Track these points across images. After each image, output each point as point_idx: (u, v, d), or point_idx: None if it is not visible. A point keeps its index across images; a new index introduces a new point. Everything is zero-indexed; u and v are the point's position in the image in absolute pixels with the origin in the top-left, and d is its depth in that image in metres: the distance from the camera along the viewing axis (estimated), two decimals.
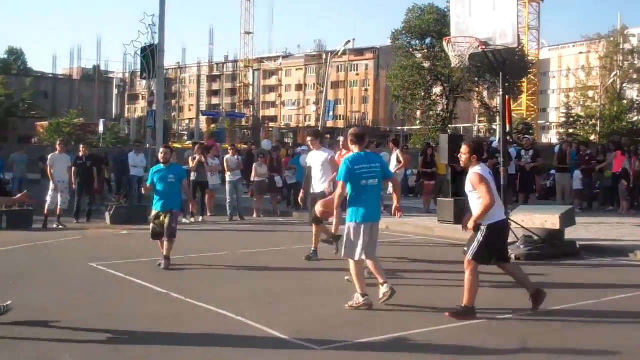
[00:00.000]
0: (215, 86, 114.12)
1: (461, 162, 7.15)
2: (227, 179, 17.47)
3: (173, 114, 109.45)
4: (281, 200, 19.60)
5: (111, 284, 9.10)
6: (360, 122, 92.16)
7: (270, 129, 72.37)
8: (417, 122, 57.21)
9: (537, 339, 6.38)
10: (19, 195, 7.01)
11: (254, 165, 17.98)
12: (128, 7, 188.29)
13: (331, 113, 40.51)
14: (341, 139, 8.91)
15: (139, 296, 8.36)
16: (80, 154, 16.41)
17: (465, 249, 7.20)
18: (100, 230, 15.07)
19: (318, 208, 9.73)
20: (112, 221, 15.95)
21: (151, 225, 10.27)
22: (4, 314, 6.53)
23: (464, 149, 7.01)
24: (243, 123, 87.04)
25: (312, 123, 77.87)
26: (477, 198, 6.90)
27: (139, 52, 25.88)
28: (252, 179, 18.21)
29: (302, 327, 6.66)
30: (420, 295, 8.13)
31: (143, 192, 11.79)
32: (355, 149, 7.62)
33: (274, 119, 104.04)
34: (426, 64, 50.71)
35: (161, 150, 10.67)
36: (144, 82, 27.29)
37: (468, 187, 6.99)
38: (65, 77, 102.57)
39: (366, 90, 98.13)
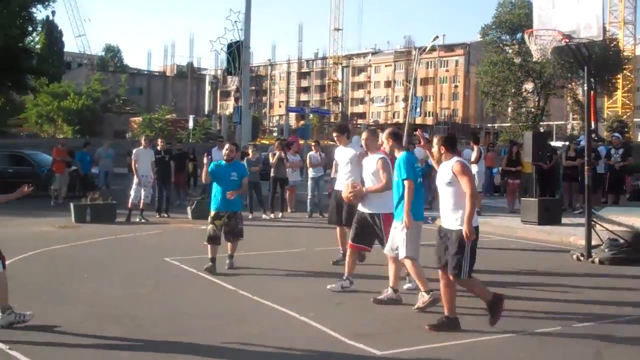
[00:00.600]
0: (304, 83, 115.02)
1: (434, 157, 6.96)
2: (310, 175, 17.44)
3: (264, 110, 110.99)
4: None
5: (182, 280, 9.17)
6: (449, 119, 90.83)
7: (358, 126, 72.25)
8: (508, 119, 55.88)
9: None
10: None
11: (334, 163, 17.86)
12: (219, 4, 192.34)
13: (419, 110, 39.80)
14: (364, 135, 8.29)
15: (208, 293, 8.38)
16: (159, 147, 16.70)
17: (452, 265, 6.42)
18: (181, 225, 15.30)
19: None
20: (193, 216, 16.18)
21: (209, 226, 9.59)
22: (20, 323, 6.42)
23: (435, 141, 6.74)
24: (332, 120, 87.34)
25: (401, 120, 77.17)
26: (451, 192, 6.45)
27: (224, 49, 26.30)
28: (332, 176, 18.09)
29: (365, 330, 6.50)
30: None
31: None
32: (397, 149, 7.59)
33: (362, 115, 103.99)
34: (517, 60, 49.47)
35: (226, 147, 10.11)
36: (236, 79, 27.53)
37: (445, 179, 6.47)
38: (160, 73, 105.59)
39: (456, 86, 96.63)
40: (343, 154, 9.68)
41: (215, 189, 9.68)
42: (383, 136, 7.92)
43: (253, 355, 5.89)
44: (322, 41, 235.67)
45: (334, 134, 10.22)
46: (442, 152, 6.60)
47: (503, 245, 12.56)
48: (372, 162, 7.98)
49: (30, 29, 42.94)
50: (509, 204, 17.46)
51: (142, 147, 16.02)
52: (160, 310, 7.37)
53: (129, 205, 15.65)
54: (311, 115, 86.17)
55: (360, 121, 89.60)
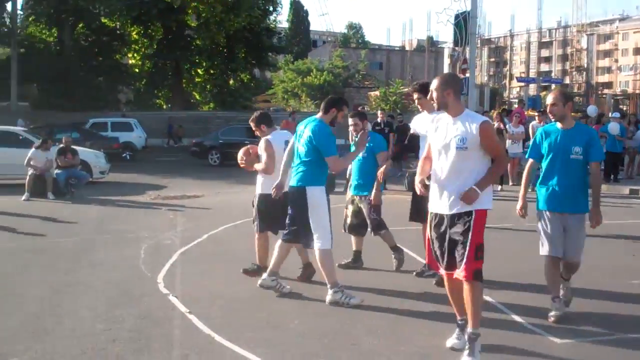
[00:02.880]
0: (545, 53, 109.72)
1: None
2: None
3: (504, 82, 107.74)
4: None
5: (382, 250, 9.14)
6: None
7: (603, 96, 67.29)
8: None
9: None
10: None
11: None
12: None
13: None
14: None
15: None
16: (379, 119, 16.79)
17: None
18: (395, 196, 15.28)
19: None
20: (408, 187, 16.06)
21: (345, 211, 8.15)
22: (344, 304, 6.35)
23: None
24: (575, 90, 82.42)
25: None
26: None
27: (451, 20, 25.75)
28: None
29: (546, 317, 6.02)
30: None
31: None
32: None
33: (608, 85, 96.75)
34: None
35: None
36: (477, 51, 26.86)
37: None
38: (399, 48, 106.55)
39: None
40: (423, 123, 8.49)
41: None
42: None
43: (414, 327, 5.70)
44: (564, 9, 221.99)
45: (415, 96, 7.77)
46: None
47: None
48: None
49: (271, 9, 45.44)
50: None
51: None
52: (344, 281, 7.42)
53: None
54: (552, 86, 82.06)
55: (606, 91, 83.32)
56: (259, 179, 7.33)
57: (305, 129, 6.44)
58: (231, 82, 46.56)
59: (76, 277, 7.51)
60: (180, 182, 18.34)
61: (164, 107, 46.02)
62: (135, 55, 44.49)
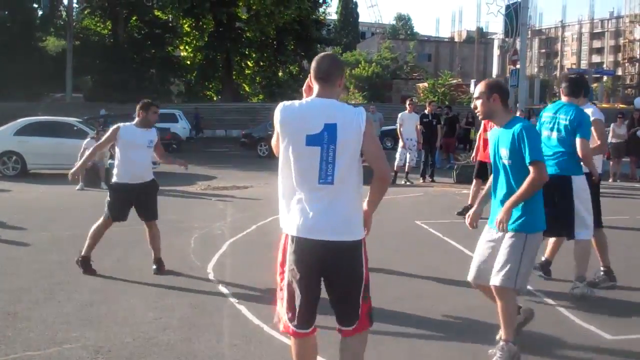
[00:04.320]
0: (597, 44, 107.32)
1: None
2: None
3: (554, 73, 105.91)
4: None
5: (426, 243, 9.11)
6: None
7: None
8: None
9: None
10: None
11: (612, 126, 16.43)
12: None
13: None
14: None
15: (447, 257, 8.23)
16: (427, 111, 16.69)
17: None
18: (443, 189, 15.21)
19: None
20: (457, 180, 16.01)
21: None
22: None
23: None
24: (627, 82, 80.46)
25: None
26: None
27: (502, 11, 25.45)
28: (609, 139, 16.69)
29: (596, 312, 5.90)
30: None
31: None
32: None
33: None
34: None
35: None
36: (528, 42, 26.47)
37: None
38: (448, 39, 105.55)
39: None
40: None
41: None
42: None
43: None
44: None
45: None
46: None
47: None
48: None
49: (321, 1, 45.46)
50: None
51: (407, 111, 16.12)
52: (392, 272, 7.40)
53: (394, 167, 15.90)
54: (605, 78, 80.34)
55: None
56: None
57: (560, 115, 6.22)
58: (280, 74, 46.78)
59: (127, 265, 7.66)
60: (230, 173, 18.52)
61: (214, 98, 46.46)
62: (186, 47, 45.01)
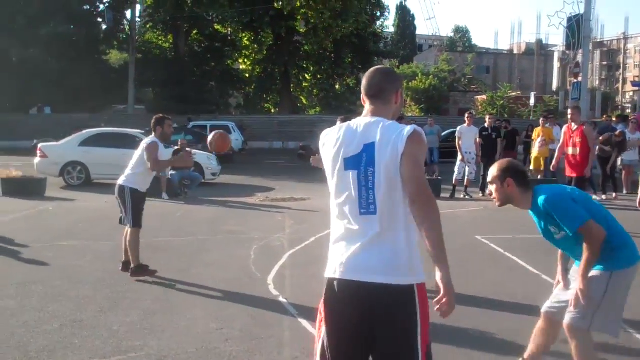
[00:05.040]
0: None
1: None
2: None
3: (617, 86, 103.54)
4: None
5: (486, 258, 8.98)
6: None
7: None
8: None
9: None
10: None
11: None
12: None
13: None
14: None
15: (509, 274, 8.09)
16: (486, 124, 16.49)
17: None
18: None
19: None
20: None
21: None
22: None
23: None
24: None
25: None
26: None
27: (564, 23, 25.07)
28: None
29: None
30: None
31: None
32: None
33: None
34: None
35: None
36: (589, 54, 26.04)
37: None
38: (507, 52, 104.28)
39: None
40: None
41: None
42: None
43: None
44: None
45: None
46: None
47: None
48: None
49: (378, 14, 45.51)
50: None
51: (466, 124, 15.95)
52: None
53: (454, 181, 15.74)
54: None
55: None
56: None
57: None
58: (337, 86, 46.95)
59: (189, 276, 7.75)
60: (288, 185, 18.62)
61: (272, 111, 46.90)
62: (245, 60, 45.59)
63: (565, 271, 4.58)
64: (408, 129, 2.95)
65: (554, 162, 12.30)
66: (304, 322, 5.97)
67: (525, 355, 4.71)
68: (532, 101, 46.16)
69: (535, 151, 16.95)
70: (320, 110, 47.00)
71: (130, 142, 18.04)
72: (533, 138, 17.14)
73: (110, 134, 19.00)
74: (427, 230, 2.82)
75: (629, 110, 73.92)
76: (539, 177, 16.47)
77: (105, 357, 5.12)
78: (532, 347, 4.67)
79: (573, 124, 12.05)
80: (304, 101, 49.68)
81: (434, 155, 20.32)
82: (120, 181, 7.78)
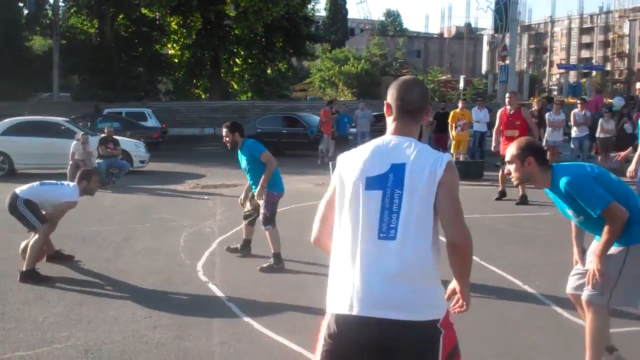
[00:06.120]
0: (586, 39, 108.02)
1: None
2: (572, 134, 16.53)
3: (543, 69, 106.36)
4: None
5: None
6: None
7: None
8: None
9: None
10: None
11: (600, 121, 16.53)
12: None
13: None
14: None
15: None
16: None
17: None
18: None
19: None
20: None
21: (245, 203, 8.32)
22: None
23: None
24: (616, 76, 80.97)
25: None
26: None
27: (492, 7, 25.54)
28: (597, 134, 16.79)
29: None
30: None
31: None
32: None
33: None
34: None
35: None
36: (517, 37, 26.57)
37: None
38: (437, 36, 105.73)
39: None
40: None
41: None
42: None
43: None
44: None
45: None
46: None
47: None
48: None
49: None
50: None
51: None
52: None
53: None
54: (594, 72, 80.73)
55: None
56: None
57: None
58: (269, 71, 46.65)
59: (117, 265, 7.63)
60: (219, 171, 18.46)
61: (203, 96, 46.33)
62: (174, 45, 44.78)
63: (582, 251, 4.56)
64: (446, 156, 2.74)
65: (493, 143, 12.66)
66: (233, 307, 5.97)
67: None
68: (461, 84, 46.84)
69: (456, 134, 17.22)
70: (252, 95, 46.64)
71: (56, 131, 17.62)
72: (450, 121, 17.39)
73: (34, 122, 18.43)
74: (458, 269, 2.74)
75: (555, 93, 76.11)
76: (461, 159, 16.81)
77: (30, 350, 5.01)
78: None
79: (509, 107, 12.37)
80: (235, 86, 49.17)
81: (366, 139, 20.43)
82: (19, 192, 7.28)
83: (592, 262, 4.19)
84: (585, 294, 4.24)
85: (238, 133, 7.77)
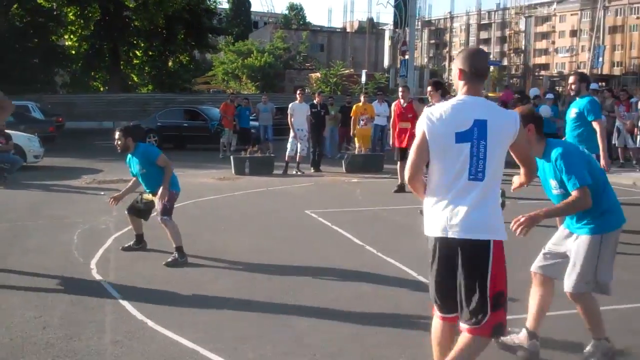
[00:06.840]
0: (484, 35, 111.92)
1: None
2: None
3: (443, 64, 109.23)
4: None
5: (315, 232, 9.22)
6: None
7: (540, 77, 68.89)
8: None
9: None
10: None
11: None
12: None
13: (600, 59, 37.21)
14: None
15: (334, 245, 8.36)
16: (315, 101, 16.91)
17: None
18: (334, 178, 15.40)
19: None
20: (347, 169, 16.26)
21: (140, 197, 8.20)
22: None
23: None
24: (513, 71, 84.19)
25: (587, 70, 72.41)
26: None
27: (391, 2, 25.98)
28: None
29: None
30: None
31: None
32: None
33: (545, 67, 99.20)
34: None
35: None
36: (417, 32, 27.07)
37: None
38: (340, 30, 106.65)
39: None
40: None
41: None
42: None
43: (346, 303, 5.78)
44: None
45: (428, 89, 11.08)
46: None
47: None
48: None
49: None
50: None
51: (297, 101, 16.22)
52: (281, 258, 7.46)
53: (286, 158, 15.99)
54: (492, 68, 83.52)
55: (543, 72, 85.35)
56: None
57: None
58: (170, 64, 45.90)
59: (7, 263, 7.34)
60: (117, 166, 17.97)
61: (101, 89, 45.11)
62: (71, 36, 43.33)
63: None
64: (516, 114, 3.67)
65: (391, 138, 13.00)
66: (127, 305, 5.85)
67: (528, 324, 4.74)
68: (363, 78, 47.47)
69: (359, 128, 17.45)
70: (153, 88, 45.77)
71: None
72: (352, 115, 17.62)
73: None
74: (527, 178, 4.06)
75: (454, 87, 78.13)
76: (363, 151, 17.05)
77: None
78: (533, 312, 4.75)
79: (402, 101, 12.65)
80: (136, 79, 48.10)
81: (268, 132, 20.49)
82: None
83: (569, 240, 4.58)
84: (570, 286, 4.47)
85: (131, 138, 7.64)
